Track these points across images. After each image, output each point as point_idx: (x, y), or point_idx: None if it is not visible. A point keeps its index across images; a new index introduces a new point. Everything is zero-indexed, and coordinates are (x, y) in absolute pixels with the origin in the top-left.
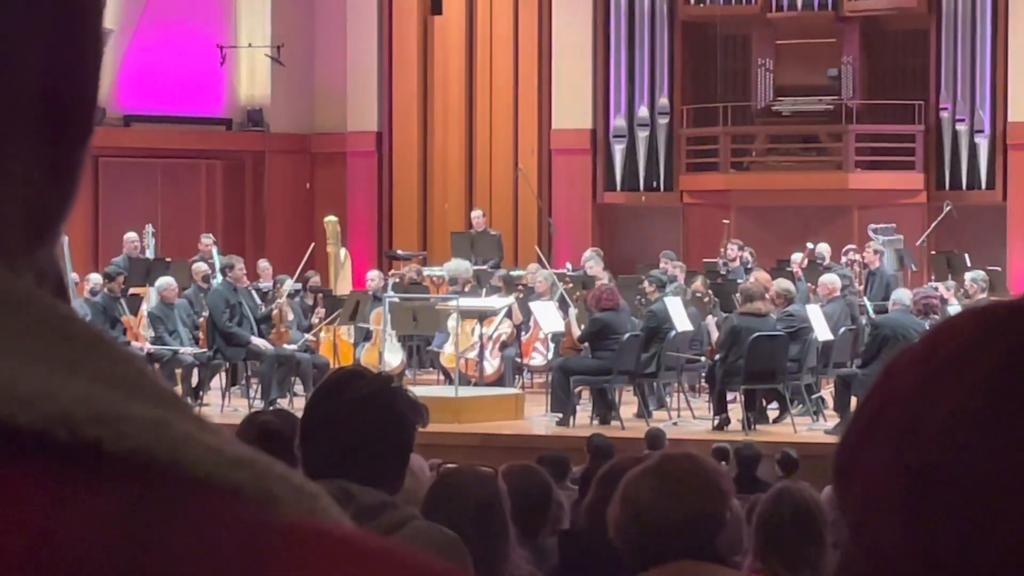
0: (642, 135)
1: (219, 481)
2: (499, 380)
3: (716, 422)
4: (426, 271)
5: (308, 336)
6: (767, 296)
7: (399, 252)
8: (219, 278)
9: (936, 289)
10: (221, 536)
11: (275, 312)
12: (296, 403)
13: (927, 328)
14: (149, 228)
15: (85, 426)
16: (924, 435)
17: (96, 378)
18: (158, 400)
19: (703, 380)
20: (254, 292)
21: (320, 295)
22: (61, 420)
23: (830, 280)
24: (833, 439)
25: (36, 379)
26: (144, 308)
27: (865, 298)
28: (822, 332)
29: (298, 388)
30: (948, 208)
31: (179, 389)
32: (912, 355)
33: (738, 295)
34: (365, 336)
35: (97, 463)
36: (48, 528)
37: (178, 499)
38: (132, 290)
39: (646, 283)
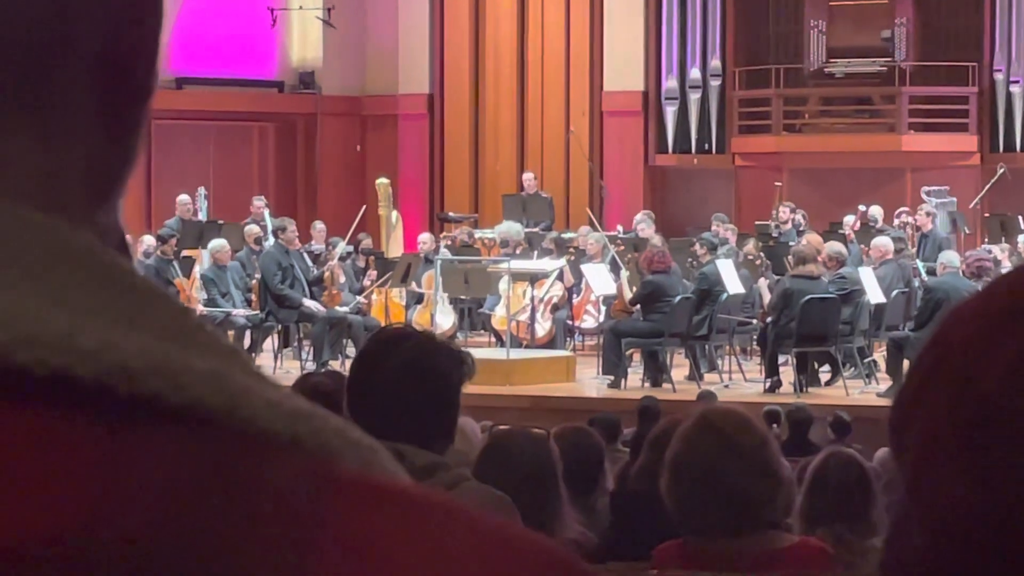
0: (694, 97)
1: (277, 434)
2: (550, 343)
3: (768, 385)
4: (478, 233)
5: (360, 298)
6: (819, 259)
7: (451, 214)
8: (271, 240)
9: (990, 252)
10: (280, 488)
11: (327, 274)
12: (348, 365)
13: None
14: (201, 191)
15: (144, 378)
16: (982, 387)
17: (155, 331)
18: (216, 353)
19: (755, 343)
20: (306, 254)
21: (372, 257)
22: (121, 372)
23: (883, 243)
24: (885, 402)
25: (96, 331)
26: (196, 270)
27: (918, 261)
28: (874, 295)
29: (350, 350)
30: (1002, 170)
31: None
32: (969, 308)
33: (790, 257)
34: (417, 299)
35: (155, 415)
36: (109, 479)
37: (237, 451)
38: (185, 252)
39: (698, 246)
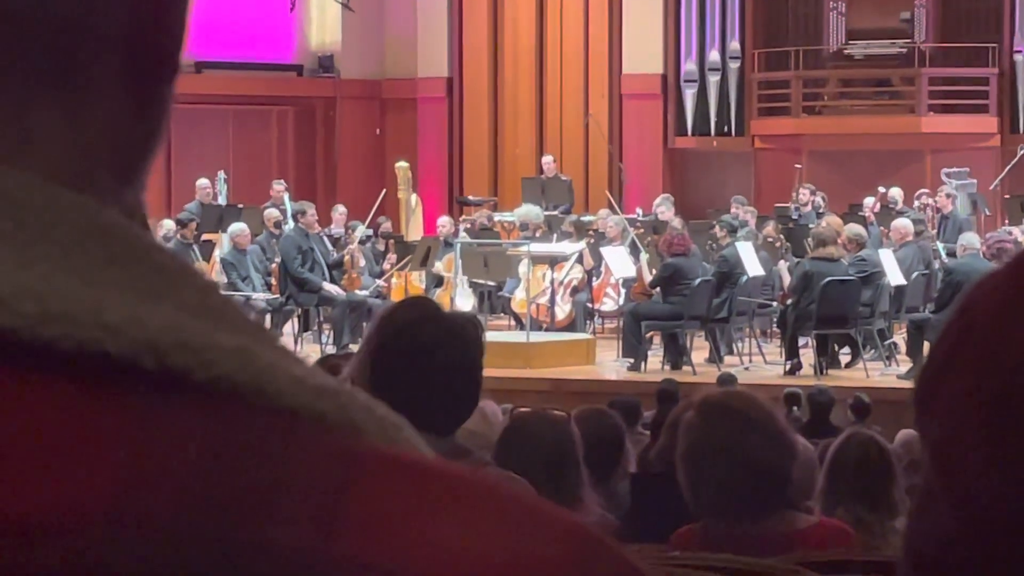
0: (713, 80)
1: (303, 410)
2: (570, 325)
3: (788, 367)
4: (497, 217)
5: (380, 282)
6: (839, 241)
7: (470, 198)
8: (291, 224)
9: (1010, 233)
10: (306, 464)
11: (347, 258)
12: None
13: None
14: (221, 175)
15: (172, 354)
16: (1005, 361)
17: (182, 307)
18: (242, 329)
19: (775, 325)
20: (325, 238)
21: (391, 241)
22: (148, 348)
23: (903, 224)
24: (906, 384)
25: (123, 307)
26: (216, 254)
27: (938, 242)
28: (895, 277)
29: None
30: (1022, 151)
31: None
32: (993, 283)
33: (810, 240)
34: (436, 282)
35: (183, 392)
36: (136, 454)
37: (263, 427)
38: (204, 236)
39: (717, 228)
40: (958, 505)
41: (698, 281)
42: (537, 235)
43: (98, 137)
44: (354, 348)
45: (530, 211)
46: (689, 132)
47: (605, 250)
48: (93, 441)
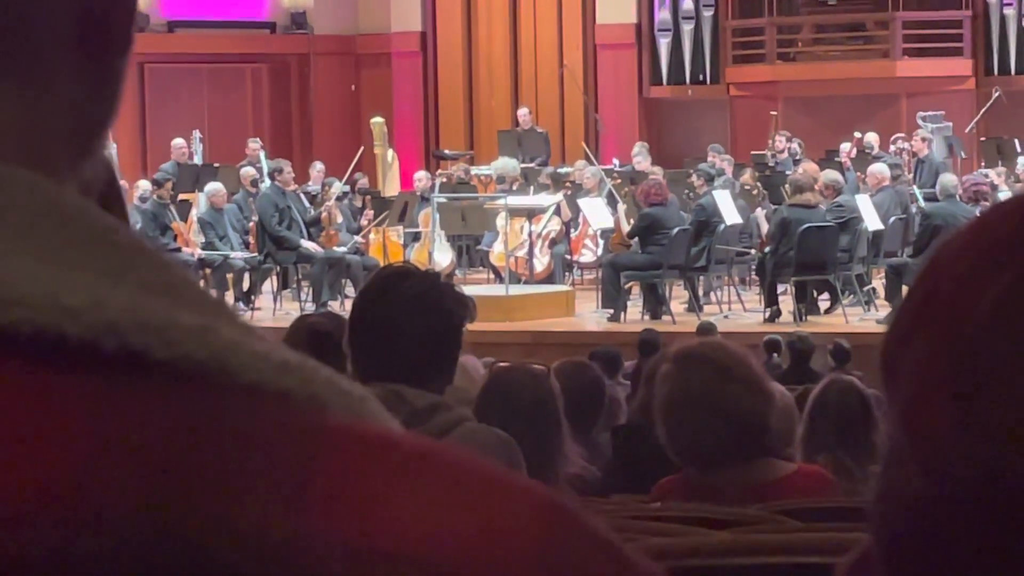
0: (687, 28)
1: (267, 386)
2: (549, 277)
3: (767, 314)
4: (474, 170)
5: (358, 238)
6: (816, 187)
7: (446, 152)
8: (267, 182)
9: (986, 176)
10: (270, 440)
11: (324, 215)
12: (348, 305)
13: (978, 215)
14: (196, 134)
15: (132, 335)
16: (972, 322)
17: (142, 287)
18: (204, 307)
19: (753, 273)
20: (302, 196)
21: (368, 197)
22: (108, 329)
23: (879, 169)
24: (885, 328)
25: (82, 289)
26: (194, 214)
27: (915, 187)
28: (872, 222)
29: (349, 290)
30: (997, 94)
31: (231, 294)
32: (960, 241)
33: (787, 187)
34: (414, 237)
35: (144, 372)
36: (100, 435)
37: (226, 404)
38: (181, 196)
39: (694, 177)
40: (926, 467)
41: (676, 230)
42: (514, 188)
43: (53, 114)
44: (334, 305)
45: (507, 164)
46: (664, 81)
47: (582, 201)
48: (54, 425)
